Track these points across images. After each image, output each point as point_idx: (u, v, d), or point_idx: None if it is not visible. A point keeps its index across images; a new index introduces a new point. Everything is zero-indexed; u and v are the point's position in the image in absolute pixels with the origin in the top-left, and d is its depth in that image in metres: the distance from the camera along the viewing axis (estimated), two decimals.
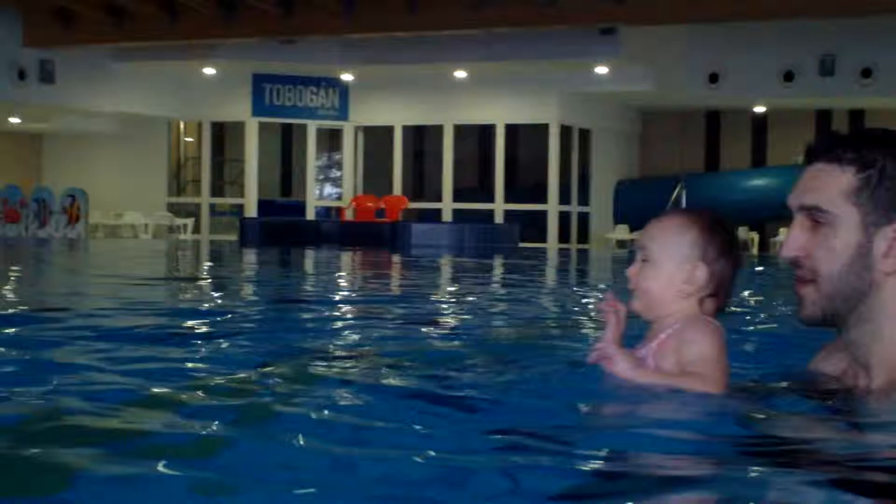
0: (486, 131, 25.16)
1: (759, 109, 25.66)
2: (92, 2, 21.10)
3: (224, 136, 27.94)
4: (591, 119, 25.48)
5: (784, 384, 2.68)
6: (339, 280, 9.35)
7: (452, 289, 8.21)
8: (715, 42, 22.44)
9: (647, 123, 27.68)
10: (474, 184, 25.93)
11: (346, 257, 13.91)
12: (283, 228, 20.55)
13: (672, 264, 2.59)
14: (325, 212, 27.09)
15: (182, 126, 28.31)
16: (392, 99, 25.38)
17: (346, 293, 7.36)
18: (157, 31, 21.55)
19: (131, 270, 10.38)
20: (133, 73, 24.14)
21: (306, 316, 5.13)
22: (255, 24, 21.12)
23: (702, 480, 1.85)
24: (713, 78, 23.32)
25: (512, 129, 25.10)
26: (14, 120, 25.97)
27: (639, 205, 23.89)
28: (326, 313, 5.24)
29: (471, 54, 22.27)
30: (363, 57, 23.26)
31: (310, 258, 13.30)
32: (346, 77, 24.78)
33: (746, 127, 27.06)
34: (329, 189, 27.95)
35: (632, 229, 24.59)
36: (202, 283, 8.56)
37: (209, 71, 24.37)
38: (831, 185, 2.31)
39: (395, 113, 25.64)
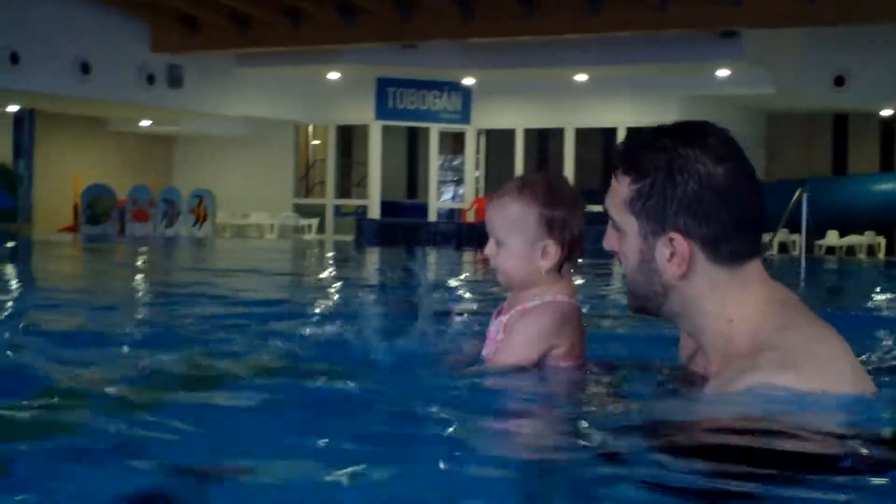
0: (608, 134, 25.16)
1: (887, 113, 25.20)
2: (216, 9, 21.67)
3: (351, 139, 28.40)
4: (713, 122, 25.23)
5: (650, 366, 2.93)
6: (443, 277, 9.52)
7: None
8: (839, 44, 22.10)
9: (772, 127, 27.37)
10: (596, 186, 25.94)
11: (455, 256, 14.11)
12: (400, 229, 20.84)
13: (524, 245, 2.80)
14: (447, 213, 27.36)
15: (311, 129, 28.85)
16: (514, 102, 25.52)
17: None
18: (280, 37, 22.04)
19: (233, 265, 10.69)
20: (258, 77, 24.71)
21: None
22: (375, 30, 21.46)
23: None
24: (839, 81, 22.96)
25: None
26: (145, 123, 26.76)
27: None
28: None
29: (590, 58, 22.30)
30: (484, 61, 23.44)
31: (416, 257, 13.48)
32: (468, 81, 25.00)
33: (874, 130, 26.60)
34: (452, 191, 28.23)
35: None
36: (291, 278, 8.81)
37: (334, 75, 24.80)
38: (616, 194, 2.40)
39: (517, 116, 25.78)
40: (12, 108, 24.32)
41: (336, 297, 7.11)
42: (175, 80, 23.55)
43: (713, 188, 2.29)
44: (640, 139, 2.41)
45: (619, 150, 2.42)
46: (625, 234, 2.40)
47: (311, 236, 25.65)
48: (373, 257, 13.17)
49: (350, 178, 28.79)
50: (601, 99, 24.44)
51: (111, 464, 1.99)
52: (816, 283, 10.98)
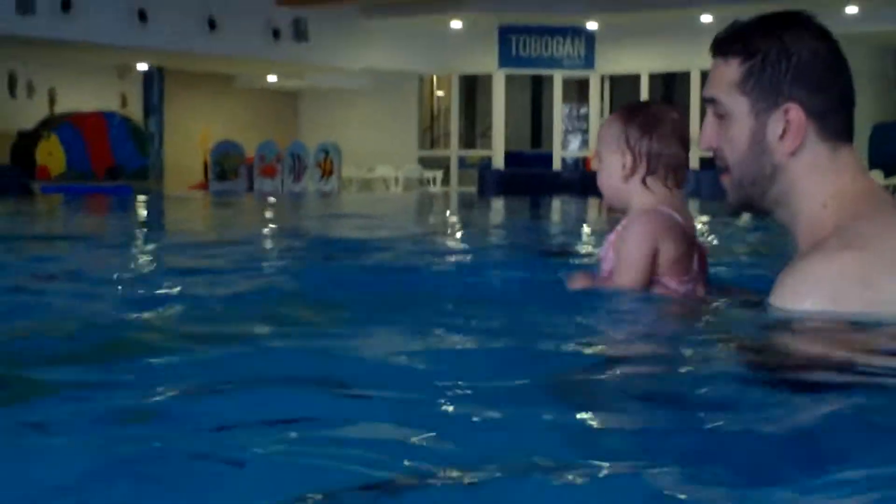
0: None
1: None
2: None
3: (476, 90, 28.37)
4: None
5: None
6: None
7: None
8: None
9: None
10: None
11: (579, 204, 14.04)
12: (523, 179, 20.80)
13: (610, 158, 2.97)
14: (573, 163, 27.20)
15: (434, 80, 28.89)
16: (638, 46, 25.21)
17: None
18: None
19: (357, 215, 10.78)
20: (382, 29, 24.79)
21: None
22: None
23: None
24: None
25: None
26: (271, 78, 27.05)
27: None
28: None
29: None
30: (607, 4, 23.21)
31: (539, 207, 13.48)
32: (592, 26, 24.78)
33: None
34: (578, 139, 28.06)
35: (887, 174, 23.81)
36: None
37: (456, 24, 24.77)
38: (722, 78, 2.44)
39: (642, 61, 25.47)
40: (142, 67, 24.77)
41: (451, 241, 7.14)
42: (300, 33, 23.74)
43: (822, 60, 2.40)
44: (744, 25, 2.46)
45: (723, 36, 2.47)
46: (731, 119, 2.44)
47: (435, 188, 25.72)
48: (496, 207, 13.17)
49: (474, 128, 28.77)
50: None
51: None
52: None
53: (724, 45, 2.45)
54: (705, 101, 2.50)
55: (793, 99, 2.37)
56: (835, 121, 2.39)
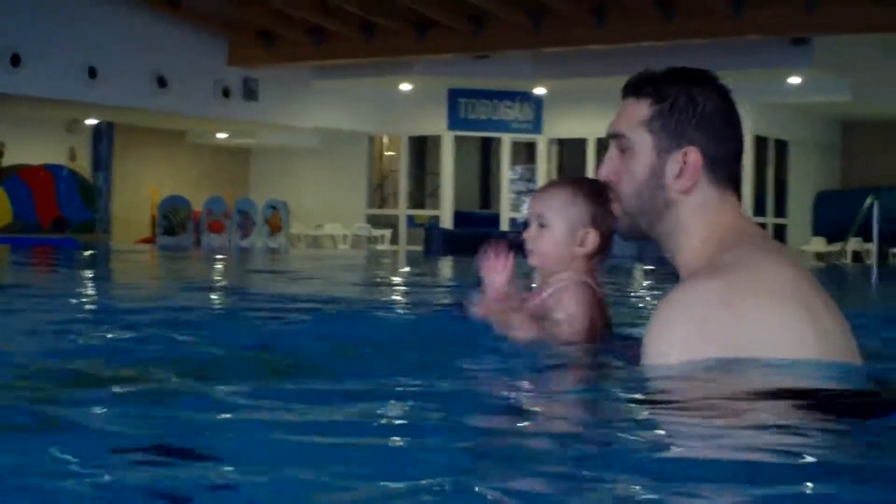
0: None
1: None
2: (292, 23, 22.01)
3: (426, 150, 28.61)
4: (787, 130, 25.19)
5: None
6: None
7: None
8: None
9: (847, 134, 27.16)
10: None
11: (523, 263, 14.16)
12: (470, 238, 20.90)
13: (566, 230, 3.08)
14: (522, 223, 27.39)
15: (385, 140, 29.11)
16: (585, 112, 25.51)
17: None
18: (354, 50, 22.31)
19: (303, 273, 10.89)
20: (332, 89, 25.01)
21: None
22: (447, 42, 21.64)
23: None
24: None
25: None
26: (221, 136, 27.18)
27: (839, 217, 23.49)
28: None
29: (660, 65, 22.20)
30: (555, 71, 23.53)
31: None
32: (539, 91, 25.10)
33: None
34: (526, 200, 28.32)
35: (829, 241, 24.21)
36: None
37: (406, 87, 25.04)
38: (631, 116, 2.67)
39: (589, 125, 25.77)
40: (91, 122, 24.82)
41: (387, 296, 7.26)
42: (250, 93, 23.91)
43: (723, 115, 2.64)
44: (657, 72, 2.71)
45: (637, 78, 2.71)
46: (633, 153, 2.65)
47: (384, 247, 25.86)
48: (437, 266, 13.31)
49: (423, 188, 28.98)
50: None
51: None
52: (890, 292, 10.92)
53: (638, 86, 2.69)
54: (610, 136, 2.72)
55: (693, 143, 2.61)
56: (727, 169, 2.64)
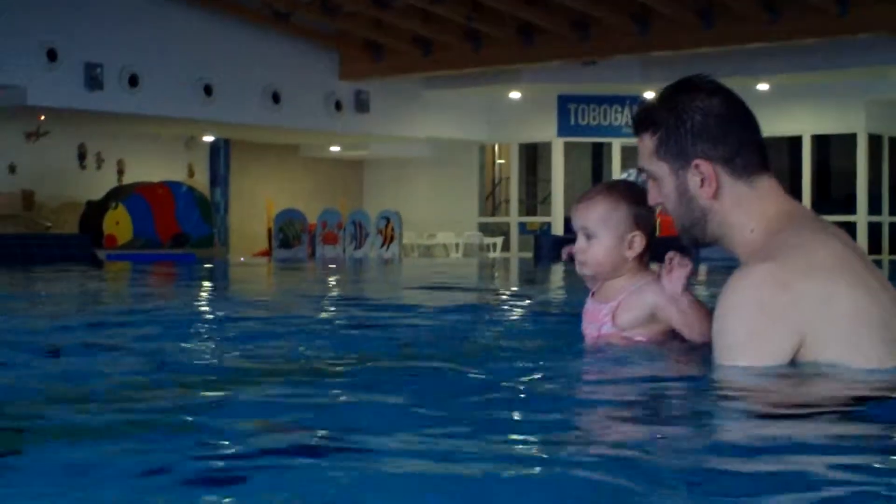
0: (793, 143, 24.88)
1: None
2: (400, 35, 22.33)
3: (536, 157, 28.72)
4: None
5: None
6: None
7: None
8: None
9: None
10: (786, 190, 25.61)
11: None
12: None
13: (614, 237, 3.20)
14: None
15: (497, 148, 29.30)
16: None
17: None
18: (462, 59, 22.55)
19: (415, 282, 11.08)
20: (442, 99, 25.28)
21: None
22: (554, 49, 21.77)
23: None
24: None
25: (818, 140, 24.77)
26: (335, 148, 27.59)
27: None
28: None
29: (771, 66, 22.19)
30: (664, 74, 23.44)
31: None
32: (649, 94, 25.05)
33: None
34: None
35: None
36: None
37: (515, 95, 25.20)
38: (644, 151, 2.91)
39: None
40: (208, 139, 25.39)
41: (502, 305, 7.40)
42: (362, 105, 24.27)
43: (714, 115, 2.83)
44: (649, 103, 2.92)
45: (636, 117, 2.94)
46: (660, 181, 2.89)
47: (495, 254, 26.02)
48: (548, 273, 13.43)
49: (535, 195, 29.09)
50: (783, 107, 24.17)
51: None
52: None
53: (637, 124, 2.93)
54: (641, 171, 2.96)
55: (698, 155, 2.82)
56: (742, 160, 2.83)
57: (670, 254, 3.07)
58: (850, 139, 24.13)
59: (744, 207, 2.83)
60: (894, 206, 25.08)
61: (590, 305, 3.32)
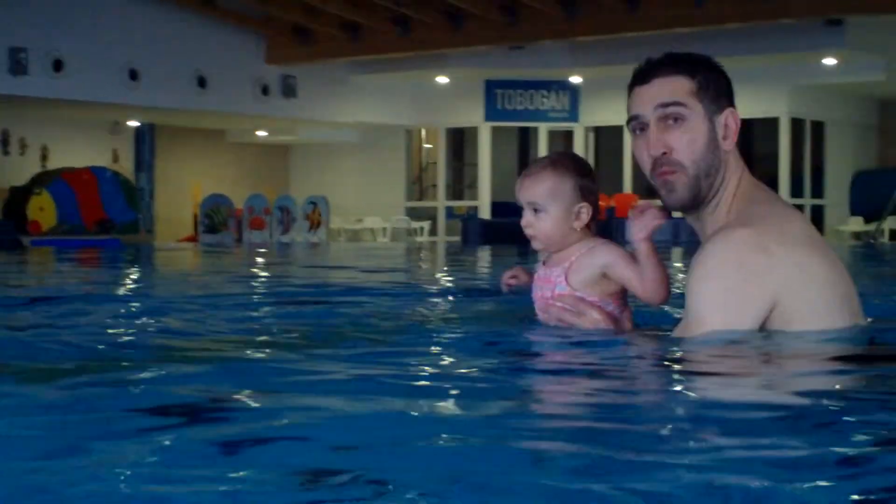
0: None
1: None
2: (328, 19, 22.26)
3: (463, 142, 28.78)
4: (823, 111, 25.17)
5: None
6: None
7: None
8: None
9: (884, 114, 27.08)
10: None
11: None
12: (507, 228, 21.08)
13: (561, 210, 3.23)
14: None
15: (423, 133, 29.31)
16: (622, 99, 25.28)
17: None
18: (389, 44, 22.54)
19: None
20: (370, 84, 25.24)
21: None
22: (482, 34, 21.82)
23: None
24: None
25: (742, 124, 24.93)
26: (261, 133, 27.46)
27: (877, 196, 23.49)
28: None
29: (696, 51, 22.27)
30: (590, 59, 23.65)
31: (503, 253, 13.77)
32: (575, 79, 25.22)
33: None
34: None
35: (867, 221, 24.21)
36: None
37: (442, 79, 25.22)
38: (681, 88, 2.93)
39: (625, 113, 25.81)
40: (133, 123, 25.16)
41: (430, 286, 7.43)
42: (289, 90, 24.17)
43: (731, 84, 2.99)
44: (671, 55, 3.02)
45: (663, 60, 3.00)
46: (689, 122, 2.92)
47: (423, 238, 26.06)
48: (471, 256, 13.48)
49: (462, 179, 29.15)
50: None
51: None
52: None
53: (670, 66, 2.96)
54: (664, 107, 2.93)
55: (732, 105, 2.96)
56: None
57: (645, 202, 3.14)
58: (773, 123, 24.44)
59: (736, 171, 2.96)
60: (816, 189, 25.45)
61: (541, 272, 3.35)
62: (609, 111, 25.90)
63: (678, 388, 2.44)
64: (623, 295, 3.26)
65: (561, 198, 3.24)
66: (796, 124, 24.70)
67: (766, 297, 2.69)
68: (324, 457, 1.80)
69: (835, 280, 2.77)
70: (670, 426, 1.97)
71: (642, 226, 3.05)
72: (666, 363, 2.75)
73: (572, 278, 3.24)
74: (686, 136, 2.90)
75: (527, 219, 3.27)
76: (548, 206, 3.23)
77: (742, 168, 2.97)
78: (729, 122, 2.94)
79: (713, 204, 2.93)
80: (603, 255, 3.22)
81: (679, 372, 2.62)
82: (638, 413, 2.16)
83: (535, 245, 3.31)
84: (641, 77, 3.01)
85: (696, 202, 2.93)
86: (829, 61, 22.17)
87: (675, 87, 2.93)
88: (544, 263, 3.35)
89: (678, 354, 2.75)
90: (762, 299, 2.69)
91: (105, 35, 21.07)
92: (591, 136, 27.12)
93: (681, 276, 5.72)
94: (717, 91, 2.94)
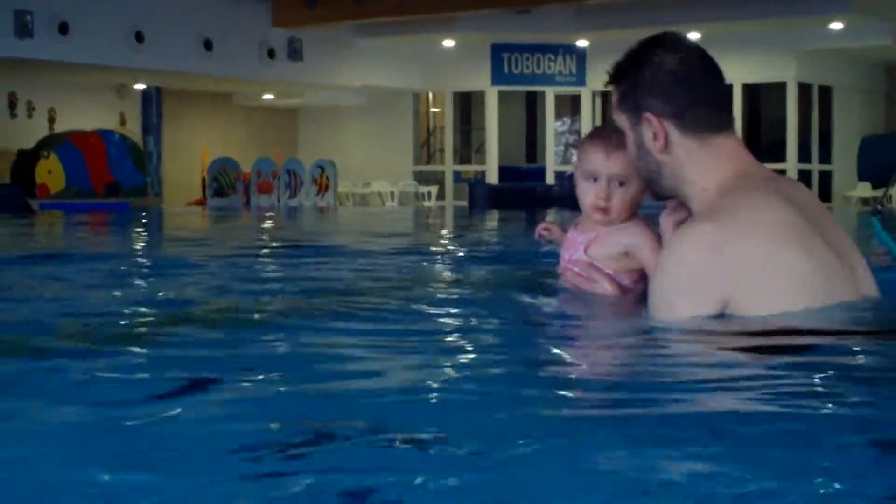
0: None
1: None
2: None
3: (471, 106, 28.75)
4: (830, 76, 25.10)
5: None
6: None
7: None
8: None
9: (892, 79, 27.02)
10: None
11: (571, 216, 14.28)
12: (514, 193, 21.11)
13: (641, 184, 3.16)
14: (568, 176, 27.44)
15: (431, 97, 29.27)
16: None
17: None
18: (396, 7, 22.46)
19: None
20: (376, 47, 25.18)
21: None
22: None
23: None
24: None
25: (749, 89, 24.97)
26: (268, 97, 27.44)
27: (884, 161, 23.44)
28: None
29: (703, 15, 22.29)
30: (597, 23, 23.58)
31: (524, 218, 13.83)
32: (582, 43, 25.15)
33: None
34: (571, 154, 28.38)
35: (874, 186, 24.18)
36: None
37: (448, 43, 25.16)
38: (614, 103, 3.00)
39: None
40: (140, 86, 25.15)
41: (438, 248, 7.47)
42: (295, 53, 24.13)
43: (666, 72, 2.86)
44: (621, 57, 2.98)
45: (609, 70, 3.00)
46: (626, 133, 2.96)
47: (430, 203, 26.08)
48: (482, 220, 13.50)
49: (469, 144, 29.15)
50: (716, 56, 24.01)
51: None
52: None
53: (609, 77, 2.99)
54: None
55: (648, 109, 2.86)
56: (693, 118, 2.86)
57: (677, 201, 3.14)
58: (781, 88, 24.40)
59: (695, 165, 2.87)
60: (823, 154, 25.42)
61: (571, 234, 3.35)
62: None
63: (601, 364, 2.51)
64: (643, 274, 3.22)
65: (629, 171, 3.20)
66: (804, 89, 24.65)
67: (714, 296, 2.68)
68: (342, 413, 1.85)
69: (811, 267, 2.69)
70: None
71: (672, 221, 3.02)
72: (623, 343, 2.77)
73: (593, 249, 3.25)
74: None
75: (603, 191, 3.18)
76: (632, 180, 3.16)
77: (718, 162, 2.86)
78: (651, 124, 2.86)
79: (684, 198, 2.91)
80: (630, 235, 3.21)
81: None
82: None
83: (605, 219, 3.22)
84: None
85: (662, 197, 2.99)
86: (836, 26, 22.09)
87: (613, 102, 2.99)
88: (576, 226, 3.35)
89: (632, 339, 2.77)
90: (711, 299, 2.68)
91: None
92: (598, 100, 27.06)
93: None
94: (634, 97, 2.89)
